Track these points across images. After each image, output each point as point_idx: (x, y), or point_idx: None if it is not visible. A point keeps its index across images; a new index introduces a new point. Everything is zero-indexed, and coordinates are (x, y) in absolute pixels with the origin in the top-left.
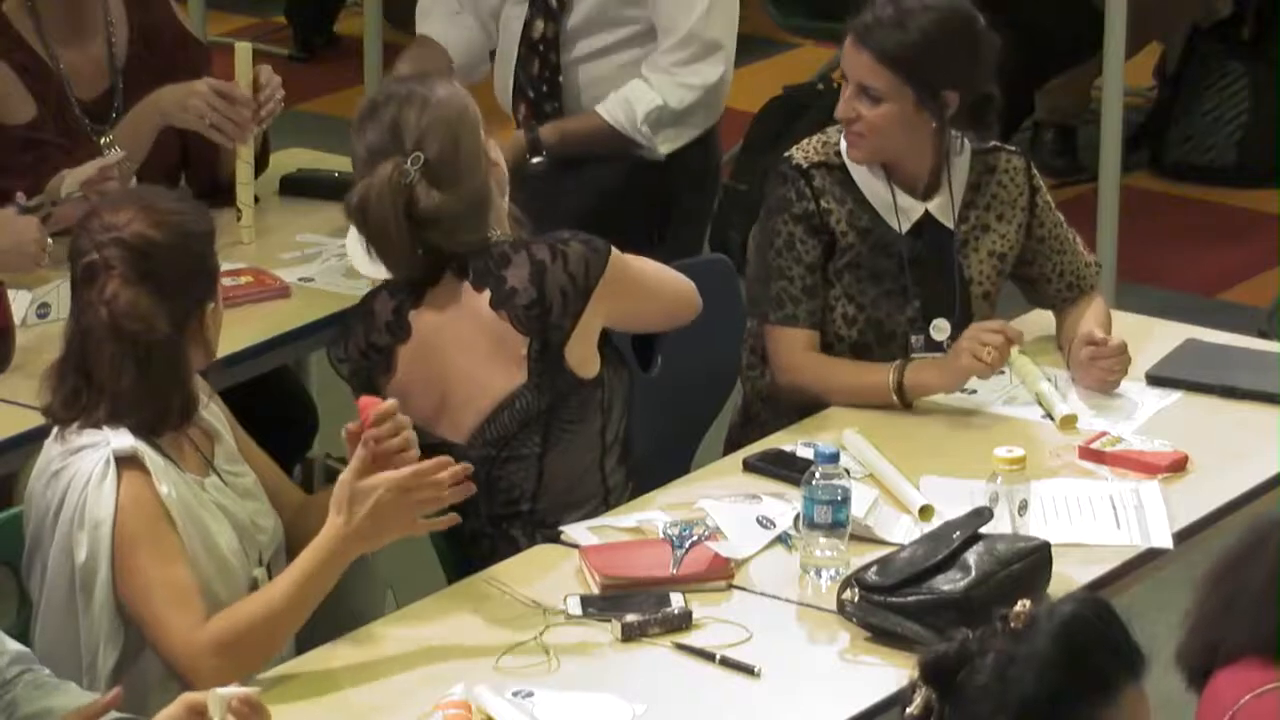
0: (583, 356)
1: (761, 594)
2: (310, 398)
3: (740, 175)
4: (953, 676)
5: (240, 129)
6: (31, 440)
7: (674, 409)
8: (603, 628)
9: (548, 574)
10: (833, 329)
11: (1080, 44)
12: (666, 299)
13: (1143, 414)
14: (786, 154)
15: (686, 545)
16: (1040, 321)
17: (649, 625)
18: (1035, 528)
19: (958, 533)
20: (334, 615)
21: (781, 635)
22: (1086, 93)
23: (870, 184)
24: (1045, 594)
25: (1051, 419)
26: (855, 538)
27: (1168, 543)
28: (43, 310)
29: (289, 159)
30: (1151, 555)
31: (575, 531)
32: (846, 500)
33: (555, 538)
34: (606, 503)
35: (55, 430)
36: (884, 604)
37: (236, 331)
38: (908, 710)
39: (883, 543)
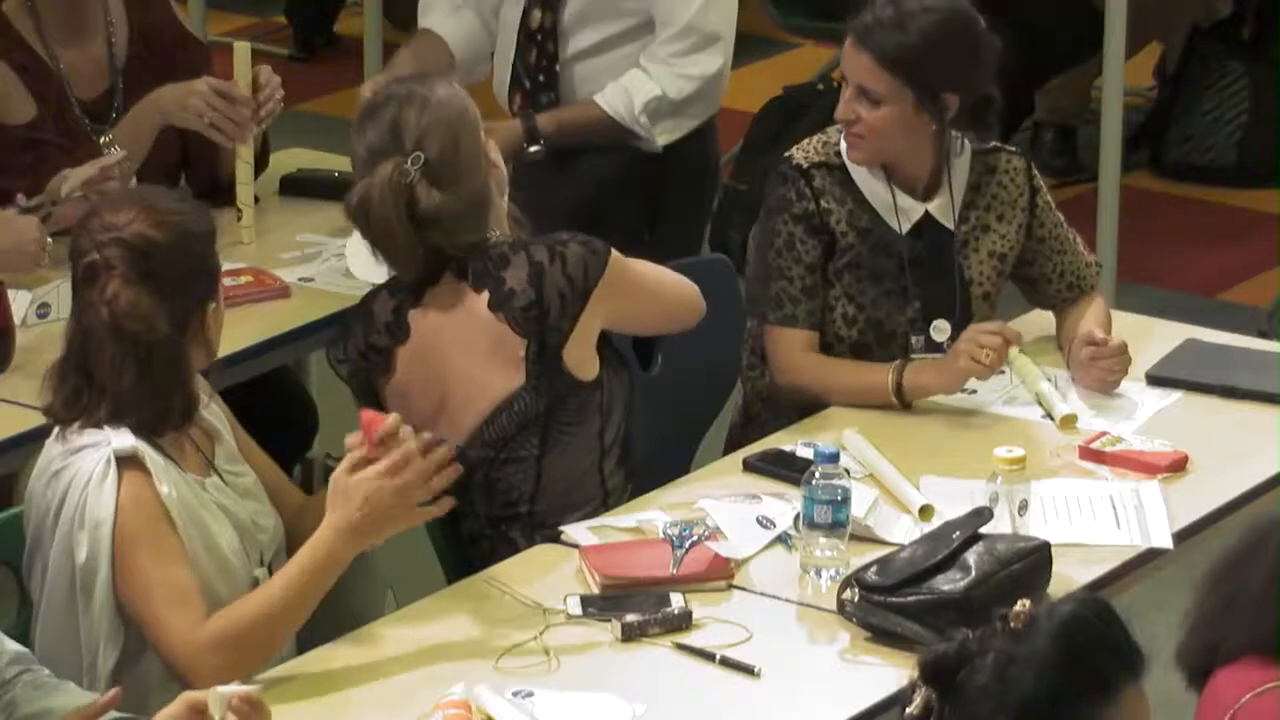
0: (581, 359)
1: (761, 594)
2: (310, 398)
3: (740, 175)
4: (953, 676)
5: (239, 128)
6: (31, 440)
7: (674, 409)
8: (603, 628)
9: (548, 574)
10: (833, 329)
11: (1080, 44)
12: (667, 302)
13: (1143, 414)
14: (787, 154)
15: (686, 545)
16: (1040, 321)
17: (649, 625)
18: (1035, 528)
19: (958, 533)
20: (334, 615)
21: (781, 635)
22: (1086, 93)
23: (870, 184)
24: (1045, 594)
25: (1051, 419)
26: (855, 538)
27: (1168, 543)
28: (43, 310)
29: (289, 159)
30: (1151, 555)
31: (575, 531)
32: (846, 500)
33: (555, 539)
34: (605, 504)
35: (56, 430)
36: (884, 604)
37: (236, 331)
38: (908, 710)
39: (883, 543)
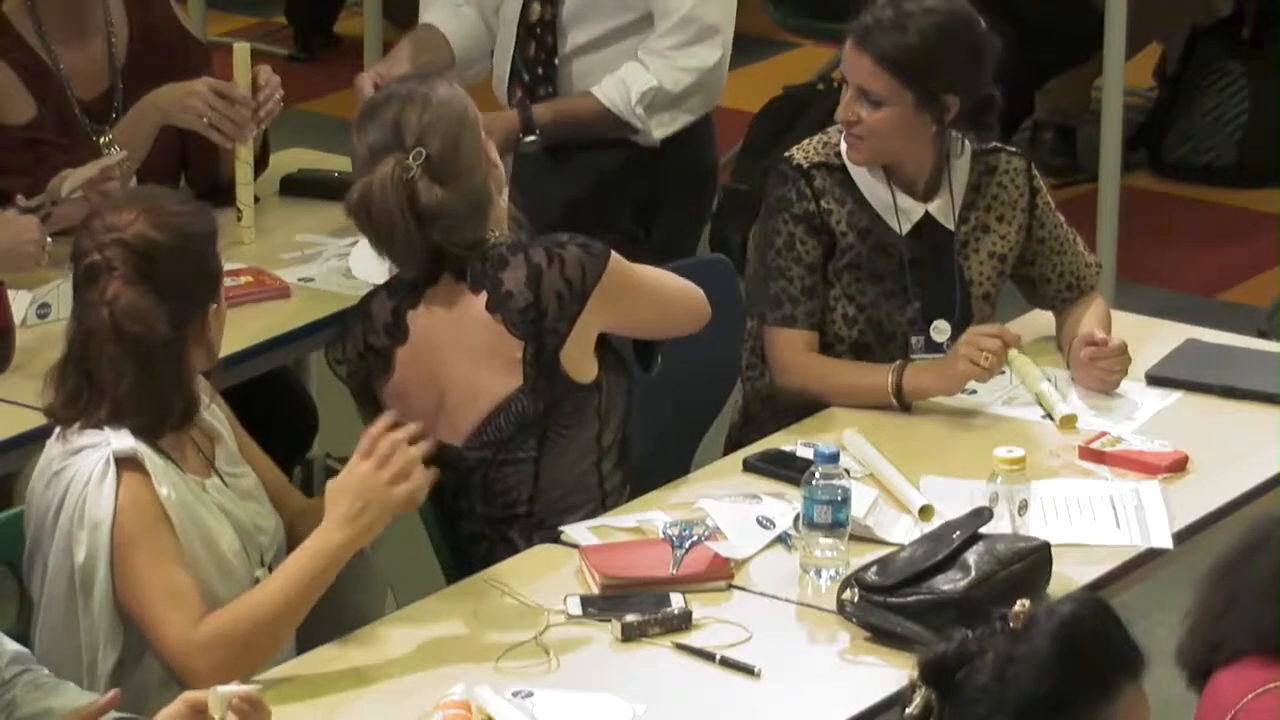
0: (579, 361)
1: (761, 594)
2: (310, 398)
3: (740, 175)
4: (952, 676)
5: (239, 128)
6: (32, 440)
7: (674, 409)
8: (603, 628)
9: (548, 574)
10: (833, 329)
11: (1080, 44)
12: (668, 306)
13: (1143, 414)
14: (787, 154)
15: (686, 545)
16: (1040, 322)
17: (649, 625)
18: (1035, 528)
19: (958, 533)
20: (334, 615)
21: (781, 635)
22: (1086, 93)
23: (870, 185)
24: (1045, 594)
25: (1051, 419)
26: (855, 538)
27: (1168, 543)
28: (43, 310)
29: (289, 159)
30: (1151, 555)
31: (575, 531)
32: (846, 500)
33: (554, 539)
34: (604, 505)
35: (57, 430)
36: (884, 604)
37: (236, 331)
38: (907, 710)
39: (883, 543)
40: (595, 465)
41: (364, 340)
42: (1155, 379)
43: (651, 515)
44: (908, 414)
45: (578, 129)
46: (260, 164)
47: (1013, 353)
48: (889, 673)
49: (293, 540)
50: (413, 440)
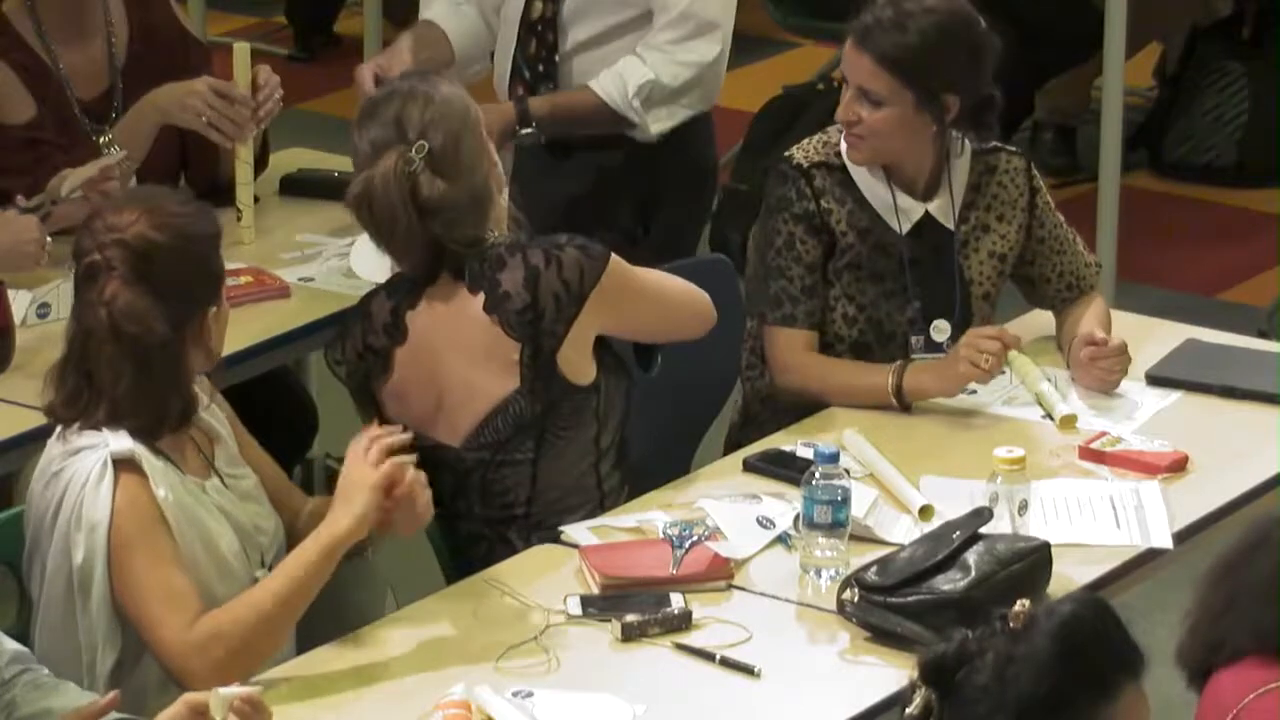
0: (577, 363)
1: (761, 594)
2: (310, 398)
3: (740, 175)
4: (952, 676)
5: (238, 128)
6: (32, 440)
7: (674, 409)
8: (603, 628)
9: (548, 574)
10: (833, 329)
11: (1080, 44)
12: (669, 310)
13: (1143, 414)
14: (787, 154)
15: (686, 545)
16: (1040, 322)
17: (649, 625)
18: (1035, 528)
19: (958, 533)
20: (334, 615)
21: (781, 635)
22: (1086, 93)
23: (870, 185)
24: (1045, 594)
25: (1051, 419)
26: (855, 538)
27: (1168, 543)
28: (43, 310)
29: (289, 159)
30: (1151, 555)
31: (575, 531)
32: (846, 500)
33: (554, 539)
34: (602, 505)
35: (58, 430)
36: (884, 604)
37: (236, 331)
38: (907, 710)
39: (883, 543)
40: (593, 467)
41: (363, 340)
42: (1155, 379)
43: (651, 515)
44: (908, 414)
45: (575, 122)
46: (260, 164)
47: (1013, 353)
48: (889, 673)
49: (293, 540)
50: (403, 449)
